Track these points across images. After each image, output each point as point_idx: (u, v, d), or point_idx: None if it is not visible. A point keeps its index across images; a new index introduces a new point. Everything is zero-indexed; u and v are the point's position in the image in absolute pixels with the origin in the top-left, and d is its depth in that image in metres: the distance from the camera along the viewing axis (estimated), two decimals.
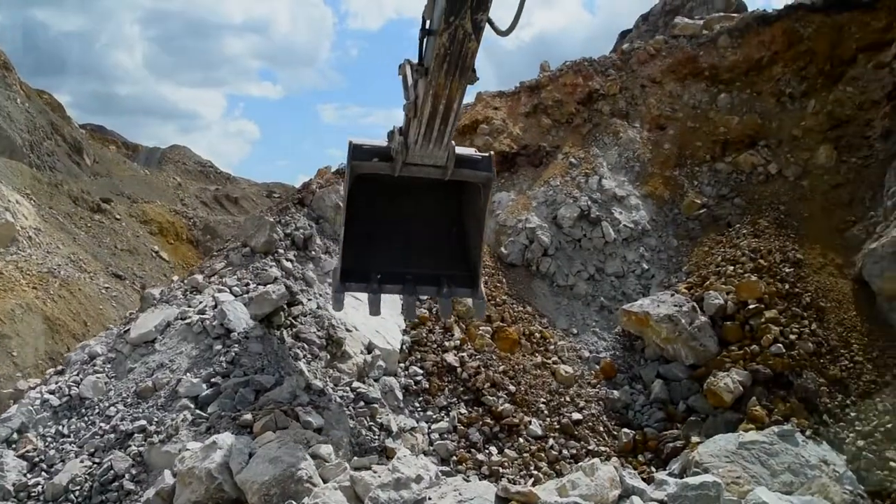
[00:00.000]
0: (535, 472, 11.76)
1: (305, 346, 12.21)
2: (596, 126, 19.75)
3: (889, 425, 12.55)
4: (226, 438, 9.30)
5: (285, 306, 12.49)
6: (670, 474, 10.64)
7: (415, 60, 8.48)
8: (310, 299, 13.14)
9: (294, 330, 12.42)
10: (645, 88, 20.42)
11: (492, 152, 10.14)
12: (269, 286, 12.51)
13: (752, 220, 17.14)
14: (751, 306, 14.60)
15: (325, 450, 9.40)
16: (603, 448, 13.03)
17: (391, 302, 14.69)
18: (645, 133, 19.71)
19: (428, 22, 8.04)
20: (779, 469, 10.61)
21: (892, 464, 11.89)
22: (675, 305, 14.84)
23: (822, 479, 10.15)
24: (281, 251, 13.79)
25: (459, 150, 9.34)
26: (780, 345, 13.82)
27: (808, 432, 12.07)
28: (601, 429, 13.55)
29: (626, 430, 13.49)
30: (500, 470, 11.62)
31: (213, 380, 11.00)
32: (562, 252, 17.34)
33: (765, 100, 19.64)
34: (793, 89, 19.49)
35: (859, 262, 15.24)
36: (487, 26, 7.64)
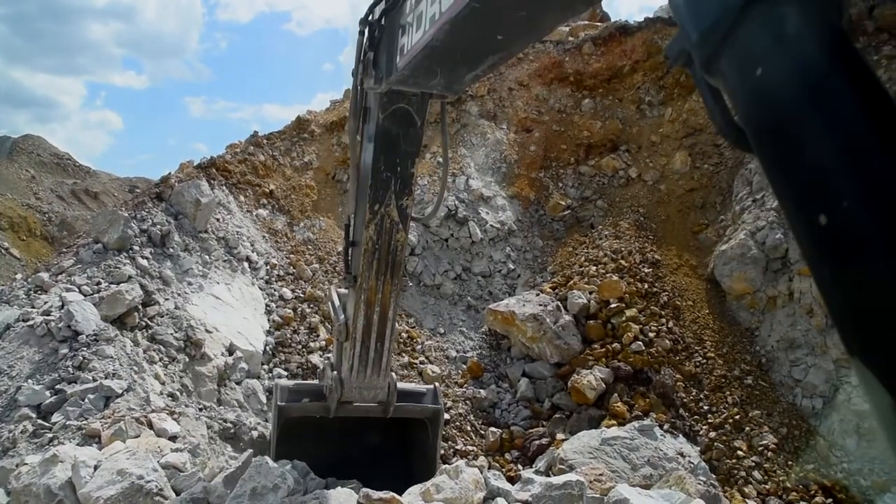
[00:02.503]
0: None
1: (161, 348, 11.55)
2: (464, 127, 19.84)
3: (737, 417, 13.20)
4: (69, 450, 8.55)
5: (140, 306, 11.77)
6: (536, 472, 10.71)
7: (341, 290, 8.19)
8: (167, 299, 12.46)
9: (149, 331, 11.72)
10: (512, 91, 20.70)
11: (437, 384, 9.36)
12: (122, 285, 11.74)
13: (614, 222, 17.67)
14: (612, 305, 15.01)
15: (180, 458, 8.84)
16: (470, 447, 13.01)
17: (253, 301, 14.21)
18: (512, 135, 19.97)
19: (351, 232, 7.73)
20: (639, 463, 10.88)
21: (739, 453, 12.53)
22: (540, 305, 15.05)
23: (679, 471, 10.47)
24: (136, 248, 13.00)
25: (401, 385, 8.63)
26: (639, 342, 14.27)
27: (665, 426, 12.50)
28: (468, 428, 13.55)
29: (493, 428, 13.54)
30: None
31: (57, 386, 10.14)
32: (429, 251, 17.29)
33: (626, 106, 20.31)
34: (651, 97, 20.25)
35: (711, 263, 15.97)
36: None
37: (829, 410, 13.31)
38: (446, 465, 9.50)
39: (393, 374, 8.39)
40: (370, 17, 6.81)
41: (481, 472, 8.60)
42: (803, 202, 1.39)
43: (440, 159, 18.67)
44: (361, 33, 6.92)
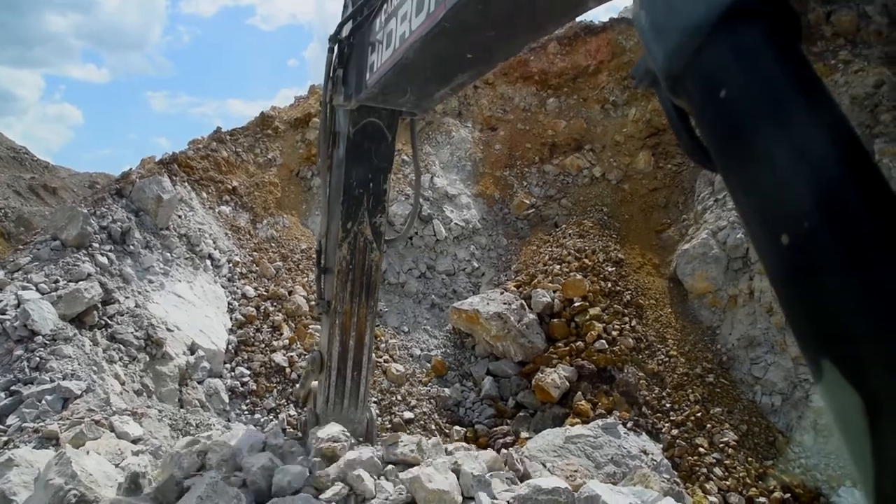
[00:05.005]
0: None
1: (122, 347, 11.33)
2: (429, 124, 19.80)
3: (699, 414, 13.35)
4: (25, 454, 8.32)
5: (99, 305, 11.53)
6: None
7: None
8: (127, 297, 12.23)
9: (109, 330, 11.50)
10: (478, 89, 20.70)
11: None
12: (81, 283, 11.49)
13: (578, 221, 17.77)
14: (576, 304, 15.09)
15: (142, 461, 8.67)
16: None
17: (215, 300, 14.03)
18: (477, 133, 19.97)
19: (323, 258, 7.51)
20: (602, 461, 10.95)
21: (700, 450, 12.67)
22: (504, 303, 15.08)
23: (642, 468, 10.55)
24: (95, 245, 12.73)
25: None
26: (603, 341, 14.37)
27: (629, 424, 12.59)
28: (433, 427, 13.53)
29: (457, 427, 13.55)
30: None
31: (13, 388, 9.88)
32: (393, 250, 17.21)
33: (590, 106, 20.42)
34: (616, 97, 20.38)
35: (673, 262, 16.14)
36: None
37: (788, 407, 13.53)
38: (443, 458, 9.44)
39: (372, 406, 8.25)
40: (339, 34, 6.75)
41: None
42: (766, 222, 1.41)
43: (405, 157, 18.60)
44: (331, 50, 6.86)
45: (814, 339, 1.29)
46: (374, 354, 8.25)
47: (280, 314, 14.24)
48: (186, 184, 15.76)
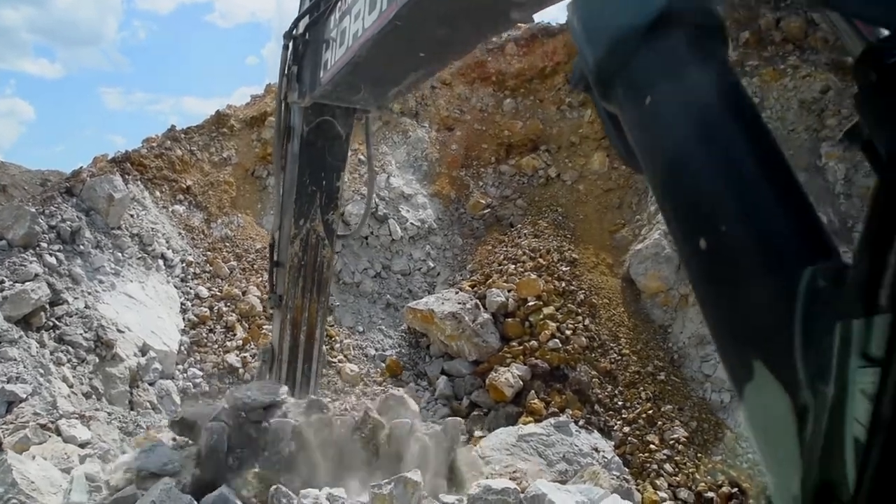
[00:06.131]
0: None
1: (70, 349, 11.19)
2: (385, 124, 19.76)
3: (650, 412, 13.56)
4: None
5: (47, 306, 11.39)
6: None
7: None
8: (76, 298, 12.07)
9: (57, 332, 11.34)
10: (435, 89, 20.72)
11: None
12: (27, 284, 11.33)
13: (533, 221, 17.89)
14: (530, 303, 15.21)
15: (92, 468, 8.54)
16: None
17: (168, 300, 13.90)
18: (433, 133, 20.01)
19: (276, 253, 7.58)
20: (555, 459, 11.06)
21: (651, 446, 12.88)
22: (459, 303, 15.15)
23: (593, 466, 10.69)
24: (44, 245, 12.55)
25: None
26: (556, 340, 14.51)
27: (581, 422, 12.73)
28: None
29: None
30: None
31: None
32: (348, 249, 17.20)
33: (546, 107, 20.56)
34: (572, 99, 20.52)
35: (627, 261, 16.35)
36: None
37: (737, 404, 13.78)
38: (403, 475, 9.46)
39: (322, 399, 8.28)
40: (294, 31, 6.74)
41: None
42: (686, 227, 1.44)
43: (361, 156, 18.58)
44: (286, 47, 6.85)
45: (745, 339, 1.32)
46: (325, 350, 8.26)
47: (234, 314, 14.16)
48: (139, 182, 15.58)
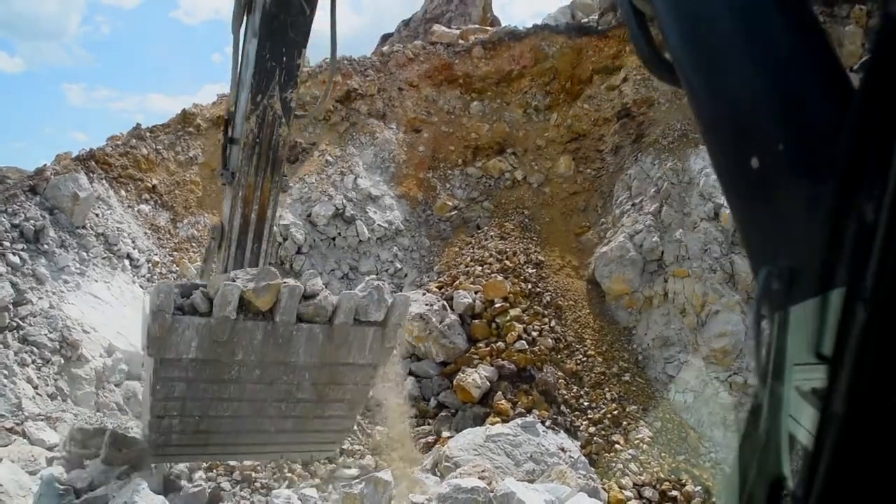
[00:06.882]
0: (290, 475, 11.51)
1: (34, 350, 11.04)
2: (353, 125, 19.78)
3: (615, 412, 13.77)
4: None
5: (10, 306, 11.23)
6: (423, 470, 10.89)
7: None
8: (40, 298, 11.92)
9: (21, 332, 11.19)
10: (402, 91, 20.79)
11: None
12: None
13: (499, 223, 18.05)
14: (497, 305, 15.34)
15: (57, 470, 8.46)
16: (357, 447, 13.04)
17: (133, 301, 13.76)
18: (401, 135, 20.06)
19: (231, 129, 7.45)
20: (522, 458, 11.21)
21: (617, 446, 13.08)
22: (427, 304, 15.22)
23: (560, 465, 10.85)
24: (6, 244, 12.36)
25: None
26: (523, 341, 14.66)
27: (547, 422, 12.89)
28: (355, 427, 13.56)
29: (379, 427, 13.61)
30: (253, 475, 11.24)
31: None
32: (316, 250, 17.18)
33: (513, 110, 20.75)
34: (538, 102, 20.77)
35: (592, 264, 16.57)
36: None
37: (700, 404, 14.07)
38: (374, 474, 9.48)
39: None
40: None
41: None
42: (732, 138, 1.26)
43: (329, 157, 18.59)
44: None
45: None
46: (276, 231, 8.07)
47: None
48: (104, 181, 15.41)
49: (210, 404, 7.43)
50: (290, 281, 7.11)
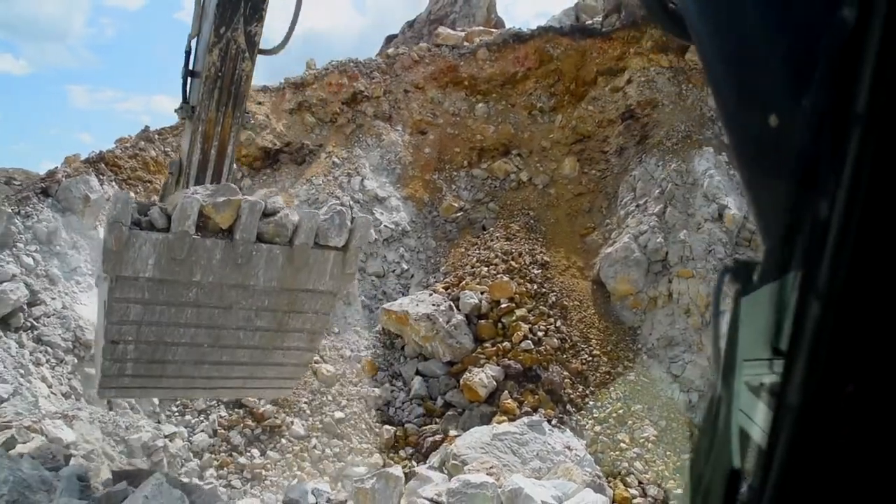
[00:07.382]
0: (299, 473, 11.68)
1: (49, 349, 11.22)
2: (359, 127, 19.93)
3: (621, 411, 13.90)
4: None
5: (25, 306, 11.40)
6: (430, 468, 11.02)
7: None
8: (54, 298, 12.10)
9: (35, 332, 11.36)
10: (408, 93, 20.92)
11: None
12: (5, 284, 11.34)
13: (505, 224, 18.18)
14: (503, 305, 15.48)
15: (77, 470, 8.60)
16: (365, 445, 13.21)
17: None
18: (407, 136, 20.19)
19: (192, 61, 7.27)
20: (528, 457, 11.32)
21: (622, 445, 13.22)
22: (433, 304, 15.36)
23: (566, 463, 10.97)
24: (20, 245, 12.54)
25: None
26: (529, 341, 14.79)
27: (553, 421, 13.01)
28: (363, 426, 13.72)
29: (387, 426, 13.77)
30: (263, 472, 11.42)
31: None
32: None
33: (518, 112, 20.88)
34: (543, 104, 20.90)
35: (597, 264, 16.70)
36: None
37: (705, 403, 14.17)
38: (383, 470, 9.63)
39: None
40: None
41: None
42: (748, 96, 1.15)
43: (335, 159, 18.73)
44: None
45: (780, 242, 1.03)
46: (235, 168, 7.94)
47: None
48: (114, 183, 15.57)
49: (166, 330, 7.29)
50: (251, 197, 7.00)
